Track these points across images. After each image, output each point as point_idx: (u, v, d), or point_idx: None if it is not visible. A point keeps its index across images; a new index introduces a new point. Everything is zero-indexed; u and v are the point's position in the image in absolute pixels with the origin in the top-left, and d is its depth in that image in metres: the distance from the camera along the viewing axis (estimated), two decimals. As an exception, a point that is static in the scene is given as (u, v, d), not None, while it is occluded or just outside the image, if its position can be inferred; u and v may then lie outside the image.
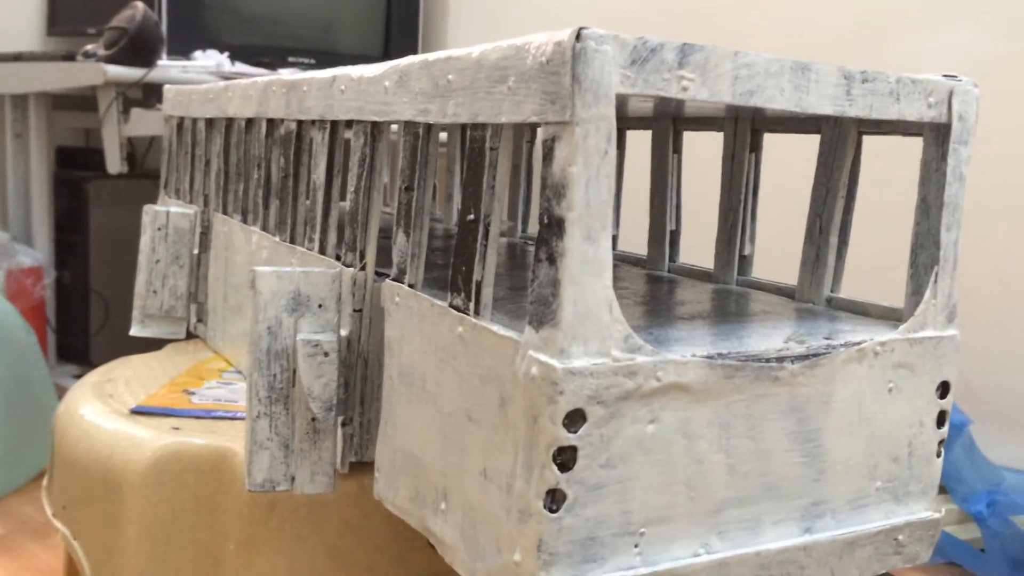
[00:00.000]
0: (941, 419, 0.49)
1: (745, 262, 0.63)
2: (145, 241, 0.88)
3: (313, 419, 0.56)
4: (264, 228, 0.74)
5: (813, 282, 0.56)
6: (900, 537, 0.49)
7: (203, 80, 1.62)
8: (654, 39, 0.38)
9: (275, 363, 0.55)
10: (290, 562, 0.59)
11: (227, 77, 1.64)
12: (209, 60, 1.69)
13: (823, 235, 0.55)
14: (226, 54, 1.71)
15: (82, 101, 1.65)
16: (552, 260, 0.38)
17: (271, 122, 0.72)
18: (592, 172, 0.38)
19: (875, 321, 0.52)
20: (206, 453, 0.61)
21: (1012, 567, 0.67)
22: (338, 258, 0.60)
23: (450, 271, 0.46)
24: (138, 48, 1.46)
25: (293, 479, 0.56)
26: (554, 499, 0.39)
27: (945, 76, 0.47)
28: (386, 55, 2.04)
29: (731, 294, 0.60)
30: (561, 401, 0.38)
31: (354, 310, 0.57)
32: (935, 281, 0.48)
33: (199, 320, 0.89)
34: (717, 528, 0.43)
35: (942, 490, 0.72)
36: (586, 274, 0.38)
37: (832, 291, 0.56)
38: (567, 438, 0.38)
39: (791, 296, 0.58)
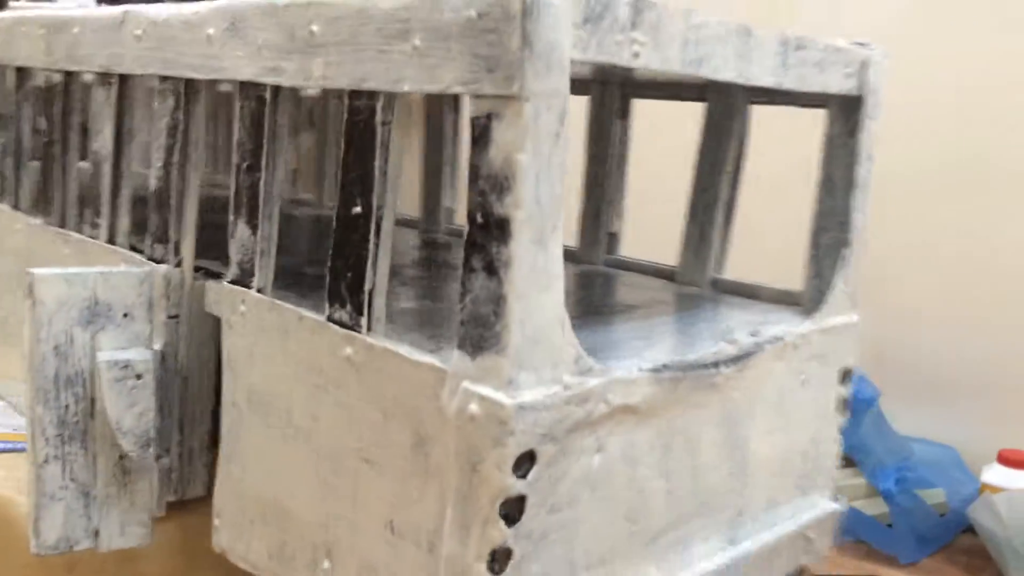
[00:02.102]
0: (842, 406, 0.47)
1: (613, 240, 0.57)
2: None
3: (121, 457, 0.44)
4: (15, 206, 0.59)
5: (697, 263, 0.52)
6: (810, 534, 0.46)
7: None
8: (610, -6, 0.31)
9: (66, 391, 0.43)
10: (96, 632, 0.47)
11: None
12: (70, 2, 1.50)
13: (708, 212, 0.51)
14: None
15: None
16: (492, 270, 0.30)
17: (21, 71, 0.57)
18: (543, 161, 0.30)
19: (772, 307, 0.49)
20: (-33, 505, 0.48)
21: (918, 543, 0.68)
22: (134, 249, 0.48)
23: (328, 276, 0.37)
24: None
25: (97, 533, 0.45)
26: (496, 559, 0.32)
27: (855, 44, 0.44)
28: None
29: (607, 278, 0.55)
30: (511, 444, 0.30)
31: (168, 317, 0.45)
32: (844, 266, 0.45)
33: None
34: (655, 558, 0.38)
35: (851, 463, 0.72)
36: (535, 287, 0.31)
37: (716, 272, 0.52)
38: (515, 487, 0.31)
39: (669, 278, 0.54)
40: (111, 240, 0.50)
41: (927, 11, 0.81)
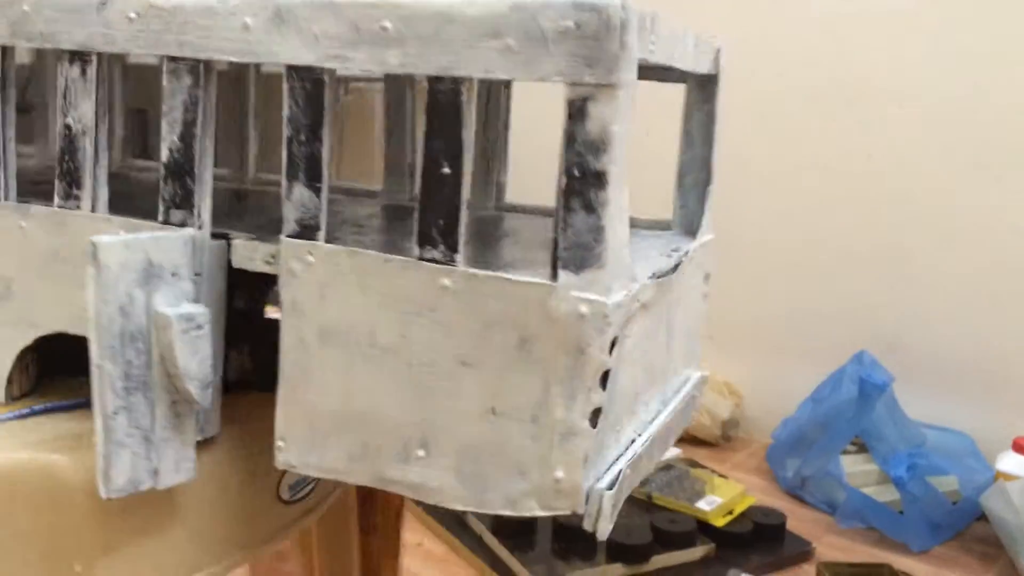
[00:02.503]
0: (705, 299, 0.65)
1: (500, 189, 0.70)
2: None
3: (175, 402, 0.50)
4: None
5: None
6: (694, 393, 0.64)
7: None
8: (644, 9, 0.44)
9: (130, 347, 0.48)
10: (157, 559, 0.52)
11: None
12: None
13: None
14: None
15: None
16: (591, 209, 0.43)
17: None
18: (623, 129, 0.43)
19: (655, 232, 0.65)
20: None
21: (930, 530, 0.65)
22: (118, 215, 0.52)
23: (418, 224, 0.46)
24: None
25: (156, 472, 0.50)
26: (594, 415, 0.44)
27: (710, 36, 0.60)
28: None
29: (510, 219, 0.67)
30: (608, 332, 0.43)
31: (195, 274, 0.51)
32: (709, 198, 0.63)
33: None
34: (634, 415, 0.53)
35: (863, 449, 0.72)
36: (619, 221, 0.43)
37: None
38: (608, 362, 0.44)
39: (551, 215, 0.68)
40: (93, 209, 0.53)
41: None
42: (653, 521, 1.21)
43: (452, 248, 0.46)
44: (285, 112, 0.48)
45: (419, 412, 0.47)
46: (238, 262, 0.51)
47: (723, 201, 0.65)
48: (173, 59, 0.50)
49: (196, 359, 0.49)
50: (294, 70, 0.47)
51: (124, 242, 0.47)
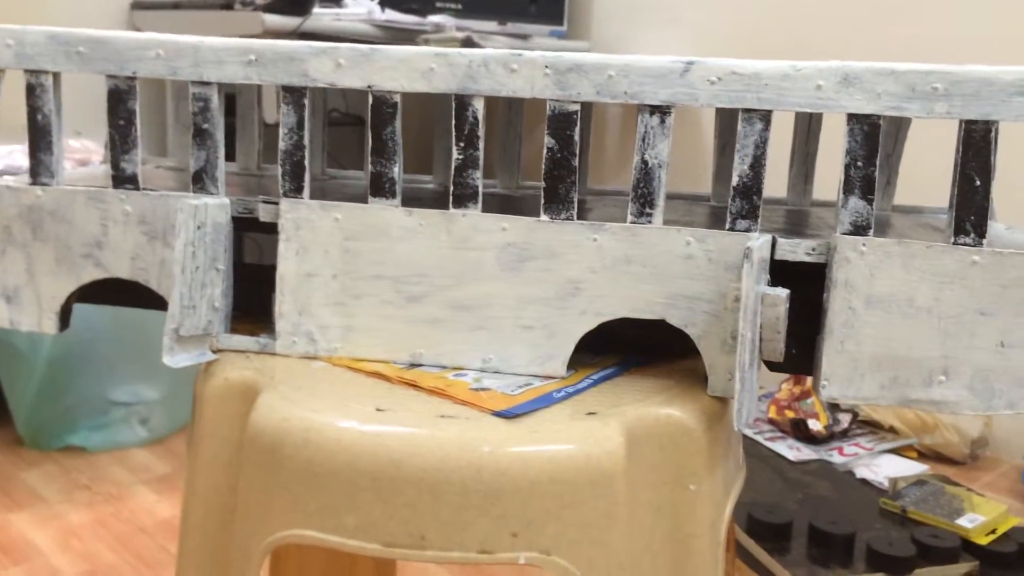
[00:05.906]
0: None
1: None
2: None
3: (754, 359, 0.69)
4: (498, 210, 0.72)
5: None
6: None
7: (355, 29, 1.68)
8: None
9: (751, 320, 0.66)
10: (726, 475, 0.71)
11: (378, 25, 1.74)
12: (360, 8, 1.75)
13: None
14: (376, 0, 1.78)
15: (240, 50, 1.64)
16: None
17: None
18: None
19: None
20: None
21: None
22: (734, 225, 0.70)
23: (953, 220, 0.67)
24: (296, -3, 1.48)
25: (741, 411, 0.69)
26: None
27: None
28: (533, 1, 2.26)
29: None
30: None
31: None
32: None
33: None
34: None
35: None
36: None
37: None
38: None
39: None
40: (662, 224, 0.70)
41: None
42: (914, 534, 1.23)
43: (981, 235, 0.67)
44: (845, 145, 0.67)
45: (942, 350, 0.69)
46: (781, 255, 0.70)
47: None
48: (748, 110, 0.68)
49: (785, 325, 0.68)
50: (855, 117, 0.67)
51: (761, 244, 0.65)
